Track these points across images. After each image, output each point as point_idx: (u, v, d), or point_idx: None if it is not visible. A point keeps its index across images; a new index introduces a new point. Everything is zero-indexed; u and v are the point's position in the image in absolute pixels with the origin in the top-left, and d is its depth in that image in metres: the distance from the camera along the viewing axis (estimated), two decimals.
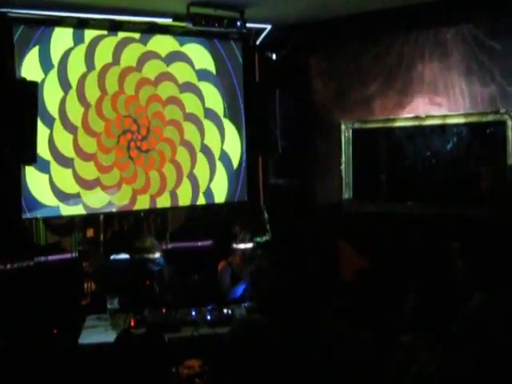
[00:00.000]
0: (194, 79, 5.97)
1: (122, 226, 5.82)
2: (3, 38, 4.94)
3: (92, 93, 5.43)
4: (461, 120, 5.30)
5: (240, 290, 5.03)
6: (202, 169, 6.04)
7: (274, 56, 6.15)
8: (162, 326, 4.04)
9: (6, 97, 4.79)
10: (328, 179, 6.12)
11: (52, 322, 4.83)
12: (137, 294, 4.68)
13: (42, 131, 5.11)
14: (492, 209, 5.07)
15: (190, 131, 5.97)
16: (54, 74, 5.22)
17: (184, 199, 5.96)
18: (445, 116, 5.38)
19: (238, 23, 5.29)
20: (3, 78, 4.94)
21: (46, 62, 5.18)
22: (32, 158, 4.94)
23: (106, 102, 5.51)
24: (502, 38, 5.02)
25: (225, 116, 6.15)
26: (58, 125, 5.27)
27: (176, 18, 5.41)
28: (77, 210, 5.39)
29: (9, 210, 5.04)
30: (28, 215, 5.12)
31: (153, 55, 5.74)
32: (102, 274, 5.26)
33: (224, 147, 6.16)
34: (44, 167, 5.19)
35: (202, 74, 6.01)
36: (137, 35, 5.65)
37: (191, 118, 5.98)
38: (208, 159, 6.08)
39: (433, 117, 5.44)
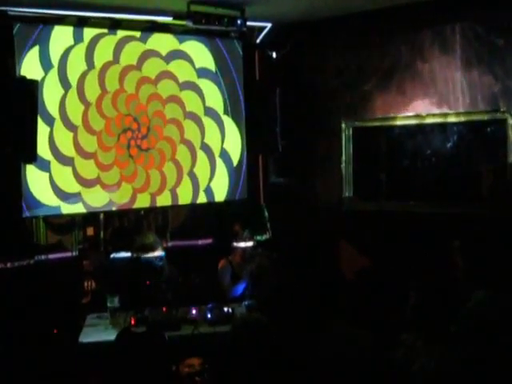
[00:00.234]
0: (194, 77, 5.97)
1: (122, 225, 5.82)
2: (3, 37, 4.93)
3: (92, 91, 5.43)
4: (461, 118, 5.30)
5: (240, 288, 5.02)
6: (202, 167, 6.04)
7: (274, 54, 6.15)
8: (162, 325, 4.03)
9: (5, 95, 4.78)
10: (328, 177, 6.12)
11: (52, 321, 4.83)
12: (137, 292, 4.67)
13: (42, 130, 5.10)
14: (492, 207, 5.07)
15: (190, 129, 5.97)
16: (54, 72, 5.22)
17: (184, 197, 5.96)
18: (445, 114, 5.37)
19: (239, 21, 5.29)
20: (3, 76, 4.93)
21: (45, 61, 5.17)
22: (32, 157, 4.94)
23: (106, 100, 5.50)
24: (503, 36, 5.01)
25: (225, 114, 6.15)
26: (58, 123, 5.26)
27: (176, 16, 5.40)
28: (77, 208, 5.39)
29: (9, 209, 5.03)
30: (28, 214, 5.12)
31: (153, 53, 5.73)
32: (103, 272, 5.25)
33: (224, 145, 6.16)
34: (44, 166, 5.19)
35: (202, 72, 6.00)
36: (137, 34, 5.65)
37: (191, 116, 5.97)
38: (208, 157, 6.08)
39: (433, 115, 5.44)
